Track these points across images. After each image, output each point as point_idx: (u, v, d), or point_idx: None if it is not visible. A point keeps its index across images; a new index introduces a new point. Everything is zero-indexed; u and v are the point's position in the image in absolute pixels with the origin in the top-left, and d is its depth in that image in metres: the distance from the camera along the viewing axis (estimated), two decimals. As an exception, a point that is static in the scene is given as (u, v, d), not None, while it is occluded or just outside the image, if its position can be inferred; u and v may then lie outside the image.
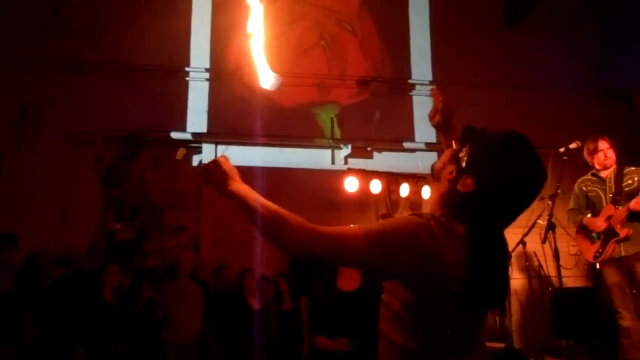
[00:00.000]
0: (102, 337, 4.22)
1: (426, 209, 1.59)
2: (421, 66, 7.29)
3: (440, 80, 7.20)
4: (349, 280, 3.35)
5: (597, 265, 4.28)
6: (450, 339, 1.35)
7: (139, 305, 4.51)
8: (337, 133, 6.90)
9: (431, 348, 1.34)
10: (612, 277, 4.14)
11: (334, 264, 1.41)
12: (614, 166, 4.32)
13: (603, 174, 4.35)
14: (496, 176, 1.33)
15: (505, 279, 1.45)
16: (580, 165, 4.63)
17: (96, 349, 4.18)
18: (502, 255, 1.43)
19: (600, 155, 4.31)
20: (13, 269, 4.39)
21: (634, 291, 4.19)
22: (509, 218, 1.41)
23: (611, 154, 4.31)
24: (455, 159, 1.40)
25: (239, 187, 1.55)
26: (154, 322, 4.54)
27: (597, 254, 4.20)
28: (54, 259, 4.72)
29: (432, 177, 1.51)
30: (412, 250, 1.29)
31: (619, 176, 4.28)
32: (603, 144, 4.33)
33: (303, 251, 1.37)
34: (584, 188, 4.42)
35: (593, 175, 4.42)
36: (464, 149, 1.40)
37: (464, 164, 1.37)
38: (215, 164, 1.59)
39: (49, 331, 4.08)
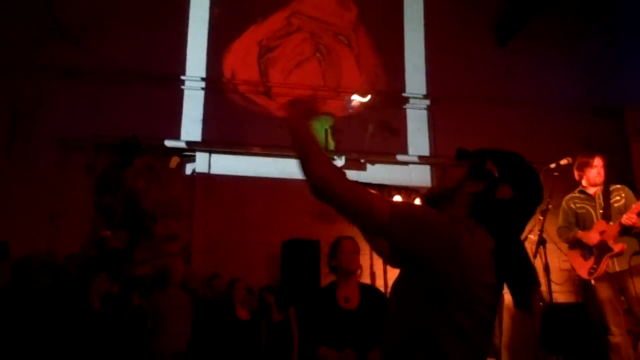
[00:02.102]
0: (90, 345, 4.17)
1: None
2: (415, 80, 7.35)
3: (434, 94, 7.26)
4: (350, 297, 3.32)
5: (592, 282, 4.30)
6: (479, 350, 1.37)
7: (128, 314, 4.48)
8: (331, 144, 6.91)
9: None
10: (604, 292, 4.16)
11: (353, 218, 1.47)
12: (602, 184, 4.38)
13: (591, 190, 4.40)
14: (528, 185, 1.51)
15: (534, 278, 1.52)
16: (571, 181, 4.67)
17: (84, 357, 4.13)
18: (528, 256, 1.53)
19: (594, 171, 4.35)
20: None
21: (625, 307, 4.22)
22: (526, 224, 1.55)
23: (602, 172, 4.37)
24: (479, 172, 1.50)
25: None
26: (142, 332, 4.50)
27: (592, 270, 4.22)
28: (43, 265, 4.68)
29: (441, 194, 1.55)
30: (434, 235, 1.34)
31: (607, 193, 4.33)
32: (598, 161, 4.37)
33: (338, 192, 1.45)
34: (572, 205, 4.45)
35: (581, 192, 4.46)
36: (486, 157, 1.53)
37: (497, 175, 1.48)
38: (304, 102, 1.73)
39: (37, 339, 4.03)
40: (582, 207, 4.41)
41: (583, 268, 4.31)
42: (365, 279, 6.37)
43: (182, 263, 5.54)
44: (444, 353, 1.32)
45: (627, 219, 4.07)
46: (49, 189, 5.97)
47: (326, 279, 6.02)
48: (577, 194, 4.47)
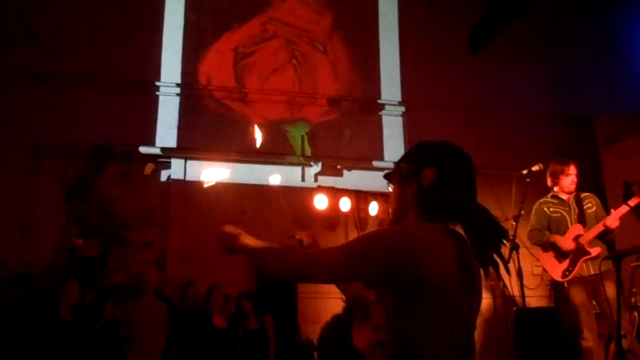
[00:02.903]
0: (62, 357, 4.08)
1: None
2: (390, 87, 7.42)
3: (408, 101, 7.34)
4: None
5: (565, 284, 4.36)
6: (455, 338, 1.37)
7: (101, 324, 4.40)
8: (308, 150, 6.93)
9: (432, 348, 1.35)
10: (578, 296, 4.23)
11: (325, 281, 1.65)
12: (574, 191, 4.48)
13: (564, 196, 4.48)
14: (440, 155, 1.56)
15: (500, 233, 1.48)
16: (542, 188, 4.76)
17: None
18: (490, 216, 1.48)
19: (568, 179, 4.44)
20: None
21: (597, 311, 4.30)
22: (471, 190, 1.55)
23: (576, 180, 4.47)
24: (402, 178, 1.57)
25: (246, 240, 1.72)
26: (116, 341, 4.42)
27: (567, 273, 4.29)
28: (13, 275, 4.56)
29: (396, 216, 1.60)
30: (394, 254, 1.36)
31: (579, 199, 4.43)
32: (572, 170, 4.46)
33: (287, 275, 1.59)
34: (545, 209, 4.52)
35: (554, 197, 4.54)
36: (402, 167, 1.59)
37: (412, 167, 1.55)
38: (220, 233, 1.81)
39: (6, 351, 3.92)
40: (557, 212, 4.48)
41: (557, 270, 4.37)
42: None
43: (157, 271, 5.46)
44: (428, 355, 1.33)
45: (612, 221, 4.17)
46: (19, 196, 5.83)
47: (303, 285, 6.04)
48: (550, 199, 4.55)
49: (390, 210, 1.66)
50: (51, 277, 4.83)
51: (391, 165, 7.03)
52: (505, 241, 1.46)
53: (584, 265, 4.25)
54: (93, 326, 4.33)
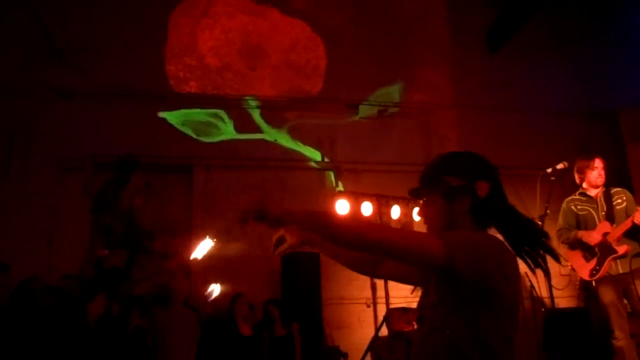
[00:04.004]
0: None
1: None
2: (410, 89, 7.38)
3: (429, 103, 7.30)
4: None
5: (594, 283, 4.28)
6: (506, 346, 1.42)
7: (128, 334, 4.45)
8: (328, 155, 6.93)
9: None
10: (607, 295, 4.14)
11: (409, 261, 1.46)
12: (602, 187, 4.38)
13: (592, 192, 4.40)
14: (482, 165, 1.62)
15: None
16: (568, 186, 4.68)
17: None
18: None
19: (595, 173, 4.35)
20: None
21: (629, 310, 4.20)
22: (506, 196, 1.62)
23: (603, 174, 4.37)
24: (453, 192, 1.55)
25: (297, 210, 1.60)
26: (143, 351, 4.47)
27: (594, 272, 4.20)
28: (45, 286, 4.65)
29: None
30: (490, 257, 1.39)
31: (608, 195, 4.33)
32: (598, 163, 4.37)
33: (384, 244, 1.41)
34: (573, 207, 4.44)
35: (582, 194, 4.45)
36: (442, 177, 1.57)
37: (463, 181, 1.55)
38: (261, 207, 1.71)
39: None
40: (584, 209, 4.40)
41: (584, 269, 4.29)
42: (367, 291, 6.36)
43: (185, 280, 5.52)
44: (496, 354, 1.38)
45: None
46: (46, 209, 5.96)
47: (327, 292, 6.04)
48: (578, 196, 4.47)
49: (433, 224, 1.61)
50: (79, 289, 4.90)
51: (412, 168, 6.95)
52: (546, 239, 1.53)
53: (613, 264, 4.15)
54: (120, 336, 4.38)
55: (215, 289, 1.97)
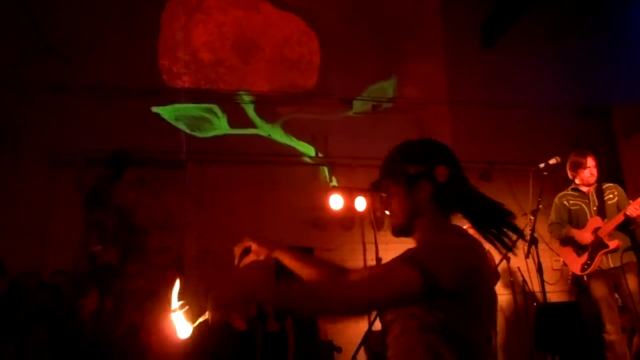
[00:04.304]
0: (84, 362, 4.13)
1: None
2: (404, 84, 7.38)
3: (422, 97, 7.31)
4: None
5: (585, 278, 4.31)
6: (484, 345, 1.41)
7: (121, 329, 4.44)
8: (322, 150, 6.93)
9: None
10: (599, 290, 4.18)
11: (394, 305, 1.40)
12: (594, 182, 4.41)
13: (584, 188, 4.43)
14: (441, 150, 1.60)
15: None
16: (560, 181, 4.71)
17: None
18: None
19: (587, 172, 4.39)
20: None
21: (620, 304, 4.24)
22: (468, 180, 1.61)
23: (595, 172, 4.40)
24: (413, 179, 1.54)
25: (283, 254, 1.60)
26: (136, 346, 4.47)
27: (585, 266, 4.24)
28: (37, 283, 4.63)
29: (407, 220, 1.58)
30: (473, 262, 1.38)
31: (600, 191, 4.36)
32: (591, 162, 4.40)
33: (359, 311, 1.37)
34: (565, 202, 4.47)
35: (574, 189, 4.49)
36: (400, 166, 1.57)
37: (421, 167, 1.54)
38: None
39: (34, 357, 3.98)
40: (576, 204, 4.43)
41: (576, 264, 4.32)
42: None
43: (178, 275, 5.50)
44: (477, 356, 1.37)
45: (633, 210, 4.10)
46: (39, 205, 5.91)
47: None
48: (570, 192, 4.50)
49: (397, 215, 1.59)
50: (72, 284, 4.89)
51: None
52: (512, 219, 1.53)
53: (604, 258, 4.19)
54: (114, 332, 4.38)
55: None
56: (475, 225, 1.54)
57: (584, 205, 4.39)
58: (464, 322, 1.35)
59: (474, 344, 1.36)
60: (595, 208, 4.33)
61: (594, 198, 4.36)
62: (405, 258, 1.33)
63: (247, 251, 1.75)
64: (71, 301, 4.43)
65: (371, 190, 1.71)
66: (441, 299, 1.32)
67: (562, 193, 4.54)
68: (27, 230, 5.76)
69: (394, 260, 1.35)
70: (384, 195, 1.62)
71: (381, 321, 1.58)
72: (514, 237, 1.53)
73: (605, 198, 4.34)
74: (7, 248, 5.30)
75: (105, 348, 4.27)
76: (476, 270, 1.37)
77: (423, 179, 1.53)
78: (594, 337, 4.36)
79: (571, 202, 4.45)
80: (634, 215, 4.10)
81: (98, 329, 4.33)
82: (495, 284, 5.86)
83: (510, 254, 5.07)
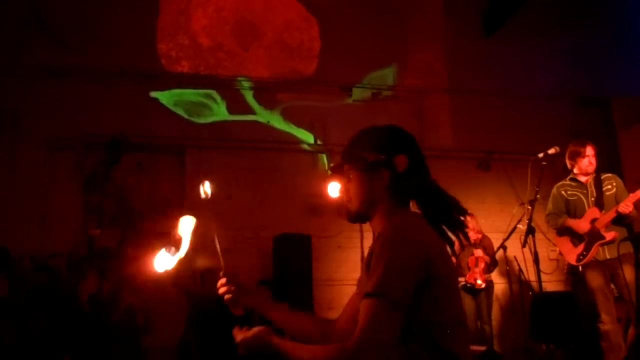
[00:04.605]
0: (80, 345, 4.16)
1: None
2: (405, 72, 7.35)
3: (421, 86, 7.28)
4: None
5: (580, 268, 4.32)
6: (457, 315, 1.44)
7: (119, 312, 4.47)
8: (321, 138, 6.92)
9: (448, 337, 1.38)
10: (594, 280, 4.18)
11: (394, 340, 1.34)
12: (593, 173, 4.41)
13: (582, 178, 4.42)
14: (403, 140, 1.58)
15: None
16: (559, 171, 4.71)
17: (78, 356, 4.12)
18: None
19: (586, 161, 4.36)
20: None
21: (616, 294, 4.25)
22: (428, 171, 1.61)
23: (594, 161, 4.39)
24: (371, 167, 1.54)
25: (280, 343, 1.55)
26: (134, 329, 4.50)
27: (581, 257, 4.24)
28: (35, 265, 4.65)
29: (363, 206, 1.58)
30: (435, 249, 1.41)
31: (598, 181, 4.36)
32: (590, 151, 4.38)
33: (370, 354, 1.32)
34: (563, 192, 4.46)
35: (572, 180, 4.48)
36: (360, 152, 1.56)
37: (381, 155, 1.53)
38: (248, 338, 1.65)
39: (30, 339, 4.01)
40: (574, 195, 4.42)
41: (572, 254, 4.33)
42: (357, 273, 6.41)
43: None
44: (430, 324, 1.38)
45: (624, 207, 4.09)
46: (37, 189, 5.92)
47: (318, 273, 6.08)
48: (569, 182, 4.49)
49: (353, 202, 1.59)
50: (70, 268, 4.91)
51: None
52: (463, 217, 1.54)
53: (600, 249, 4.19)
54: (112, 314, 4.41)
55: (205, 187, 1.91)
56: (426, 217, 1.53)
57: (581, 196, 4.38)
58: (424, 308, 1.35)
59: (438, 328, 1.36)
60: (593, 199, 4.32)
61: (592, 189, 4.36)
62: (371, 294, 1.33)
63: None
64: (70, 284, 4.45)
65: (333, 174, 1.71)
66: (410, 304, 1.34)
67: (560, 183, 4.53)
68: (27, 214, 5.77)
69: (371, 307, 1.32)
70: (343, 179, 1.62)
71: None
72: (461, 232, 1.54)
73: (604, 189, 4.33)
74: (7, 232, 5.32)
75: (104, 330, 4.30)
76: (432, 259, 1.37)
77: (382, 167, 1.53)
78: (589, 326, 4.39)
79: (569, 192, 4.45)
80: (626, 212, 4.10)
81: (96, 311, 4.36)
82: (492, 271, 5.90)
83: (506, 244, 5.13)
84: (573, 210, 4.41)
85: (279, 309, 1.78)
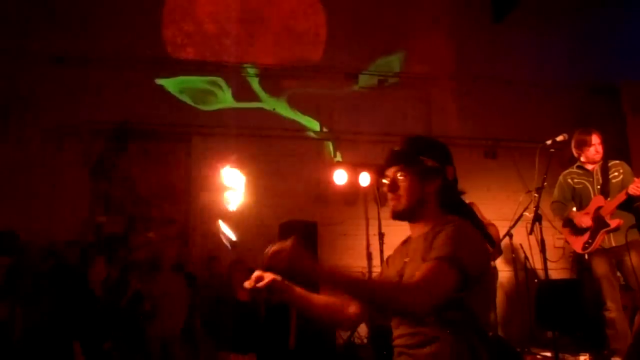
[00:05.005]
0: (90, 330, 4.20)
1: None
2: (411, 59, 7.29)
3: (429, 72, 7.23)
4: None
5: (586, 256, 4.31)
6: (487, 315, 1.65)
7: (127, 298, 4.52)
8: (327, 125, 6.90)
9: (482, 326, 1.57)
10: (600, 268, 4.17)
11: (435, 305, 1.48)
12: (600, 160, 4.37)
13: (589, 166, 4.39)
14: (450, 156, 1.74)
15: None
16: (566, 159, 4.68)
17: (87, 343, 4.16)
18: None
19: (592, 149, 4.33)
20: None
21: (622, 282, 4.24)
22: None
23: (601, 149, 4.35)
24: (429, 172, 1.67)
25: (327, 268, 1.55)
26: (140, 314, 4.55)
27: (587, 245, 4.23)
28: (42, 251, 4.69)
29: (411, 207, 1.71)
30: (484, 247, 1.59)
31: (605, 169, 4.33)
32: (595, 139, 4.34)
33: (421, 311, 1.47)
34: (569, 180, 4.44)
35: (579, 167, 4.45)
36: (419, 156, 1.68)
37: (436, 163, 1.67)
38: (287, 248, 1.57)
39: (40, 324, 4.05)
40: (580, 183, 4.40)
41: (577, 242, 4.32)
42: (362, 261, 6.42)
43: (176, 247, 5.57)
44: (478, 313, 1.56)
45: (634, 189, 4.06)
46: (44, 176, 5.95)
47: (323, 260, 6.10)
48: (575, 169, 4.46)
49: (402, 200, 1.71)
50: (79, 254, 4.95)
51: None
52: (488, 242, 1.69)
53: (606, 237, 4.16)
54: (120, 300, 4.45)
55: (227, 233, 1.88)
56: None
57: (587, 184, 4.36)
58: (478, 299, 1.53)
59: (482, 316, 1.56)
60: (598, 187, 4.30)
61: (598, 176, 4.32)
62: (442, 258, 1.48)
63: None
64: (78, 270, 4.49)
65: (378, 169, 1.76)
66: (467, 285, 1.49)
67: (567, 171, 4.50)
68: (34, 201, 5.81)
69: (436, 263, 1.48)
70: (386, 181, 1.73)
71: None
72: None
73: (610, 176, 4.29)
74: (14, 218, 5.35)
75: (113, 316, 4.35)
76: (487, 260, 1.58)
77: (435, 174, 1.67)
78: (594, 314, 4.39)
79: (575, 180, 4.42)
80: (637, 193, 4.07)
81: (106, 297, 4.40)
82: (496, 259, 5.91)
83: (512, 231, 5.12)
84: (579, 198, 4.39)
85: (303, 298, 1.80)
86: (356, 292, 1.53)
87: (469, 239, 1.55)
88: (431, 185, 1.67)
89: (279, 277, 1.68)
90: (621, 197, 4.12)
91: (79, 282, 4.35)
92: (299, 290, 1.75)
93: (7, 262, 4.11)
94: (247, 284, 1.70)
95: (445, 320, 1.50)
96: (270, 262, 1.57)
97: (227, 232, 1.91)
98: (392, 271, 1.74)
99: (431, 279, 1.45)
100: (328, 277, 1.52)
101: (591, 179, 4.36)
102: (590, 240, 4.22)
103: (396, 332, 1.66)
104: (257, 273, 1.71)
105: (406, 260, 1.68)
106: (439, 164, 1.68)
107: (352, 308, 1.79)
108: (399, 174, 1.70)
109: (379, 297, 1.48)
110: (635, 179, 4.11)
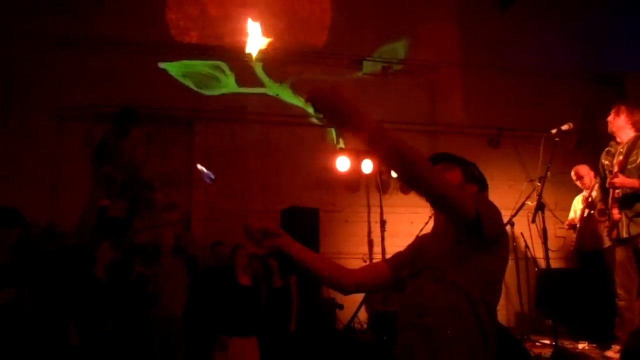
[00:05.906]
0: (96, 314, 4.24)
1: None
2: (416, 46, 7.24)
3: (434, 60, 7.18)
4: None
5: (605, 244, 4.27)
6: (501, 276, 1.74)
7: (130, 281, 4.55)
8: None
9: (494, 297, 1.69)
10: (620, 254, 4.11)
11: (446, 211, 1.55)
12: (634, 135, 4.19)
13: (619, 139, 4.24)
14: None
15: None
16: (570, 148, 4.66)
17: (90, 325, 4.20)
18: None
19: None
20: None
21: (638, 270, 4.15)
22: None
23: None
24: (472, 177, 1.86)
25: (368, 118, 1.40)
26: (144, 297, 4.59)
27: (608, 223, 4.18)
28: (45, 232, 4.71)
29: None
30: (500, 217, 1.66)
31: (632, 147, 4.13)
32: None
33: (435, 194, 1.48)
34: (603, 160, 4.30)
35: (613, 141, 4.31)
36: (474, 170, 1.88)
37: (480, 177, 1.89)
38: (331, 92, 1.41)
39: (44, 306, 4.08)
40: (607, 160, 4.28)
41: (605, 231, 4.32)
42: (364, 247, 6.45)
43: (177, 231, 5.60)
44: (494, 294, 1.68)
45: (621, 181, 4.02)
46: (47, 159, 5.96)
47: (325, 246, 6.12)
48: (609, 148, 4.33)
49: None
50: (80, 236, 4.98)
51: (415, 127, 6.86)
52: None
53: (626, 225, 4.05)
54: (124, 283, 4.48)
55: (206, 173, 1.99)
56: None
57: (610, 162, 4.21)
58: (493, 261, 1.65)
59: (489, 282, 1.65)
60: (617, 168, 4.13)
61: (619, 157, 4.11)
62: (468, 195, 1.66)
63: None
64: (83, 253, 4.51)
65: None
66: (484, 242, 1.57)
67: (605, 150, 4.33)
68: (37, 184, 5.82)
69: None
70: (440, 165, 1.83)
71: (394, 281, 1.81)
72: None
73: (630, 159, 4.11)
74: (17, 202, 5.36)
75: (117, 299, 4.38)
76: (503, 225, 1.69)
77: (475, 182, 1.85)
78: (596, 303, 4.38)
79: (605, 161, 4.31)
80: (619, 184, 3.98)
81: (110, 280, 4.43)
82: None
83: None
84: (604, 177, 4.29)
85: (303, 250, 1.82)
86: (397, 148, 1.38)
87: (488, 202, 1.65)
88: (470, 188, 1.83)
89: (283, 232, 1.78)
90: (634, 183, 3.98)
91: (82, 265, 4.37)
92: (298, 245, 1.80)
93: (16, 234, 4.10)
94: (252, 226, 1.76)
95: (458, 285, 1.59)
96: (313, 93, 1.44)
97: (206, 171, 2.12)
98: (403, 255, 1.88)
99: (455, 185, 1.67)
100: (371, 121, 1.39)
101: (612, 158, 4.22)
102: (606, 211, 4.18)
103: (405, 301, 1.69)
104: (264, 225, 1.77)
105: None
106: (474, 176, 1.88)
107: (354, 276, 1.87)
108: (443, 164, 1.85)
109: (418, 169, 1.41)
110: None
